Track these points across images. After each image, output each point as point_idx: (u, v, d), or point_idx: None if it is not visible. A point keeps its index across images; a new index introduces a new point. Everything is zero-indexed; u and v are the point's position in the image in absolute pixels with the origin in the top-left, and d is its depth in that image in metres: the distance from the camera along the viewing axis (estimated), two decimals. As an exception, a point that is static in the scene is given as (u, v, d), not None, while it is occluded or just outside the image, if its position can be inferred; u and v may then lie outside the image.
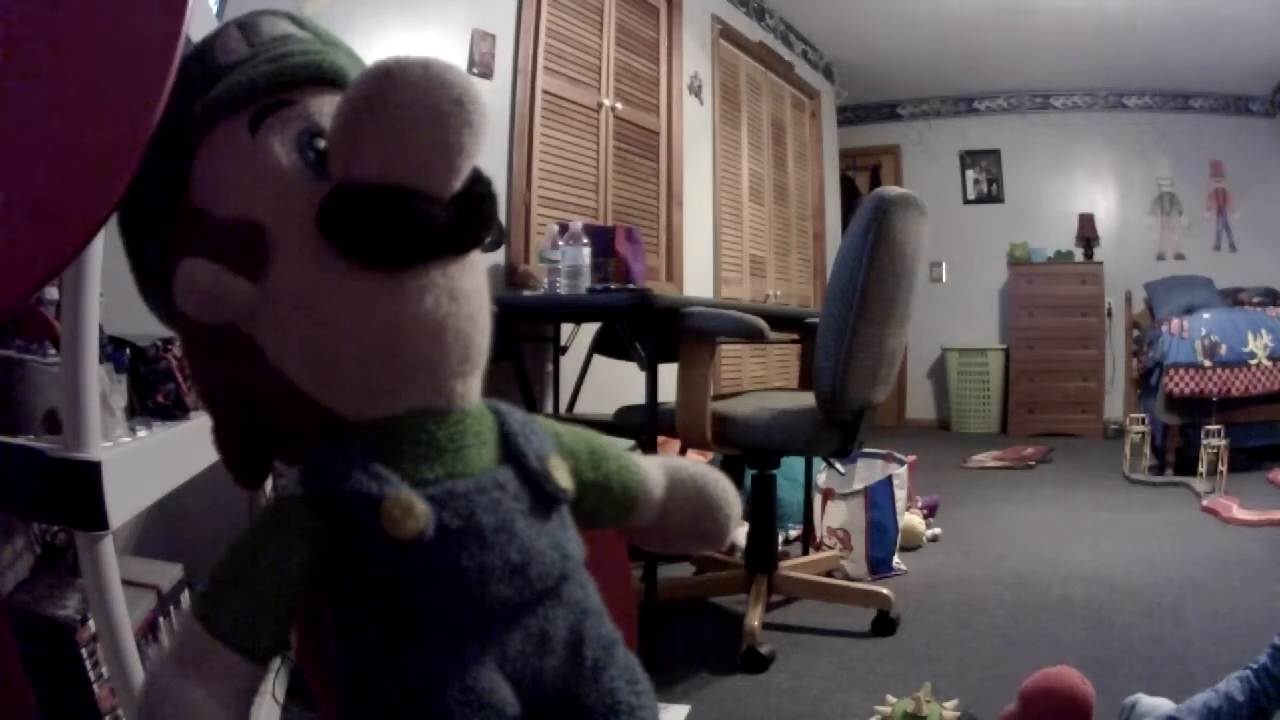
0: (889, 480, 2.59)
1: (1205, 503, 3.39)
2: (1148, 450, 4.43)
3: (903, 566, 2.57)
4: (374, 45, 2.32)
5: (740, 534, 2.23)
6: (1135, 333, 5.46)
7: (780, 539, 2.46)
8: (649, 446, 1.94)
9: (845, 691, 1.69)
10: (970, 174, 6.68)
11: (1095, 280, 6.09)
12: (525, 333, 2.79)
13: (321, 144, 0.68)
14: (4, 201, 0.65)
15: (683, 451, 2.32)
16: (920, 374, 6.71)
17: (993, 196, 6.64)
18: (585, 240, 2.40)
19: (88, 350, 0.78)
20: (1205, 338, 4.17)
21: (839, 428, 1.91)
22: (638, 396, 1.97)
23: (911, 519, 2.84)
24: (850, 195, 6.34)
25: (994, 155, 6.61)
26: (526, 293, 2.74)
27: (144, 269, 0.74)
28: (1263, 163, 6.04)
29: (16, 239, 0.65)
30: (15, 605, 0.99)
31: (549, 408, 2.97)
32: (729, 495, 0.89)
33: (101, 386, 0.83)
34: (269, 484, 0.82)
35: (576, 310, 2.45)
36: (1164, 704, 1.31)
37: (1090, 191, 6.38)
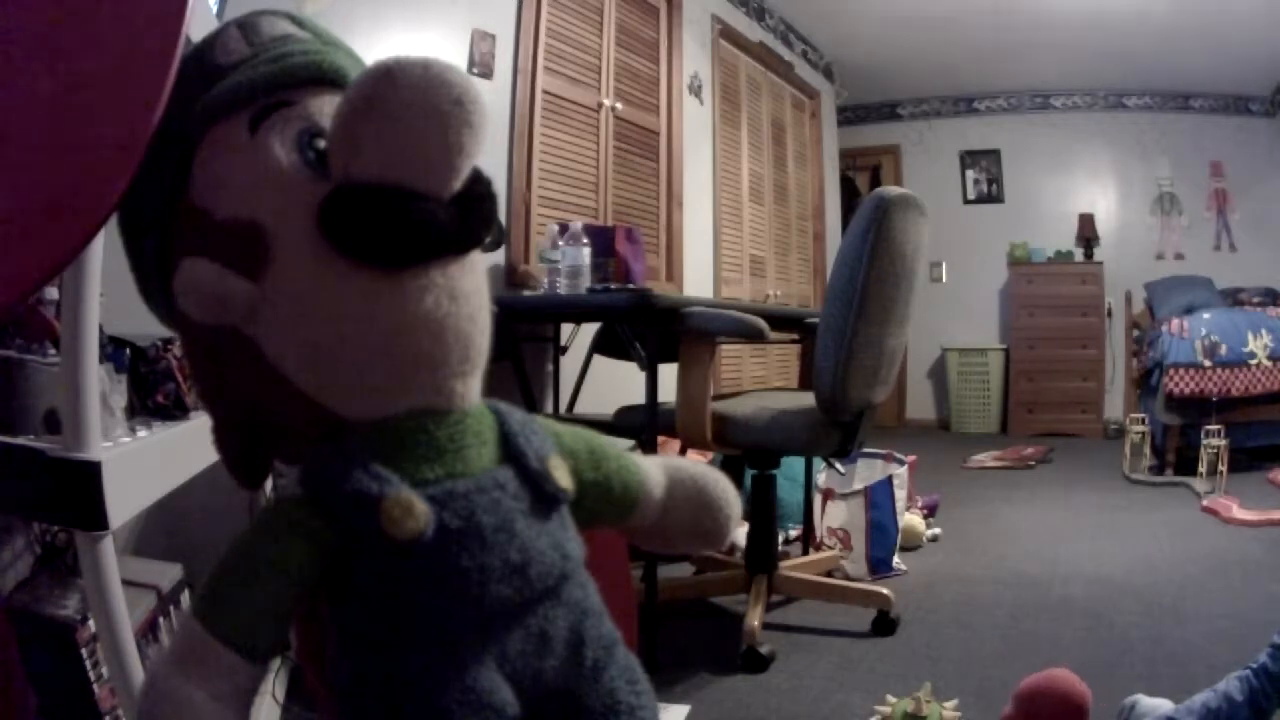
0: (889, 480, 2.59)
1: (1205, 503, 3.39)
2: (1148, 450, 4.43)
3: (903, 566, 2.57)
4: (374, 45, 2.32)
5: (740, 534, 2.23)
6: (1135, 333, 5.46)
7: (780, 539, 2.46)
8: (649, 446, 1.94)
9: (845, 691, 1.69)
10: (970, 174, 6.68)
11: (1095, 280, 6.09)
12: (525, 333, 2.79)
13: (321, 144, 0.68)
14: (4, 201, 0.65)
15: (683, 451, 2.32)
16: (920, 374, 6.71)
17: (993, 196, 6.64)
18: (585, 240, 2.40)
19: (88, 350, 0.78)
20: (1205, 338, 4.17)
21: (839, 428, 1.91)
22: (638, 396, 1.97)
23: (911, 519, 2.84)
24: (850, 195, 6.34)
25: (994, 155, 6.61)
26: (526, 293, 2.74)
27: (144, 269, 0.74)
28: (1263, 163, 6.04)
29: (16, 239, 0.65)
30: (15, 605, 0.99)
31: (549, 408, 2.97)
32: (729, 495, 0.89)
33: (101, 386, 0.83)
34: (269, 484, 0.82)
35: (576, 310, 2.45)
36: (1164, 704, 1.31)
37: (1090, 191, 6.38)
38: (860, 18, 5.23)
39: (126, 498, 0.84)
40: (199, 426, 0.86)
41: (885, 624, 2.03)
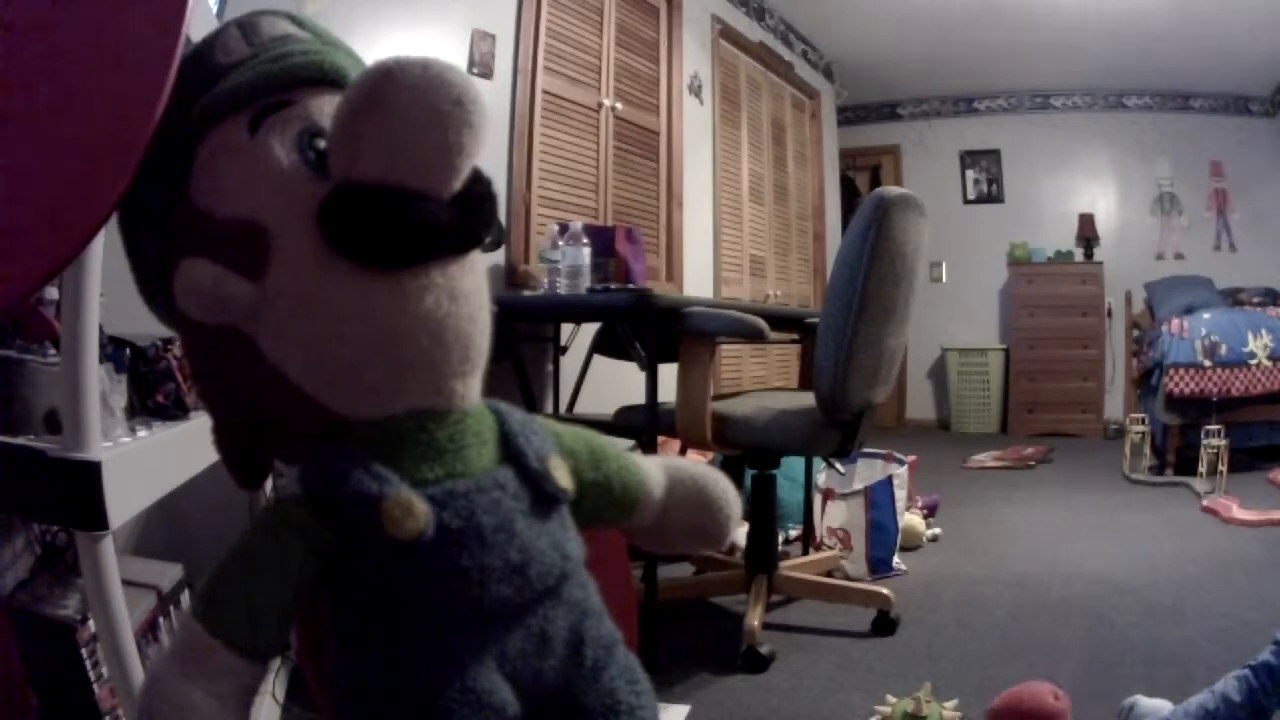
0: (889, 480, 2.59)
1: (1205, 503, 3.39)
2: (1148, 450, 4.43)
3: (903, 566, 2.57)
4: (374, 45, 2.32)
5: (740, 534, 2.23)
6: (1135, 333, 5.46)
7: (780, 539, 2.46)
8: (649, 446, 1.94)
9: (845, 691, 1.69)
10: (970, 174, 6.68)
11: (1095, 280, 6.09)
12: (525, 333, 2.79)
13: (322, 144, 0.68)
14: (4, 201, 0.65)
15: (683, 451, 2.32)
16: (920, 374, 6.71)
17: (993, 196, 6.64)
18: (585, 240, 2.40)
19: (88, 350, 0.78)
20: (1205, 338, 4.17)
21: (839, 428, 1.91)
22: (638, 396, 1.97)
23: (911, 519, 2.84)
24: (850, 195, 6.34)
25: (994, 155, 6.61)
26: (526, 293, 2.74)
27: (144, 269, 0.74)
28: (1263, 163, 6.04)
29: (16, 239, 0.65)
30: (15, 605, 0.99)
31: (549, 408, 2.97)
32: (729, 495, 0.89)
33: (101, 386, 0.83)
34: (269, 484, 0.82)
35: (576, 310, 2.45)
36: (1163, 705, 1.31)
37: (1090, 191, 6.38)
38: (860, 18, 5.23)
39: (126, 498, 0.84)
40: (199, 426, 0.86)
41: (885, 624, 2.03)
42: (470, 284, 0.70)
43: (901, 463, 2.75)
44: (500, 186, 2.70)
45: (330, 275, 0.65)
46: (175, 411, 1.10)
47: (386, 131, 0.63)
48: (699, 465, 0.91)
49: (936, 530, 3.00)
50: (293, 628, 0.68)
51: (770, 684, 1.75)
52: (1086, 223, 6.31)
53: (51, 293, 0.97)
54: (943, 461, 4.75)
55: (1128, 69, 5.82)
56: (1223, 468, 3.62)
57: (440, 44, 2.68)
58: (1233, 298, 5.12)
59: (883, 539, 2.52)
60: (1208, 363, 4.13)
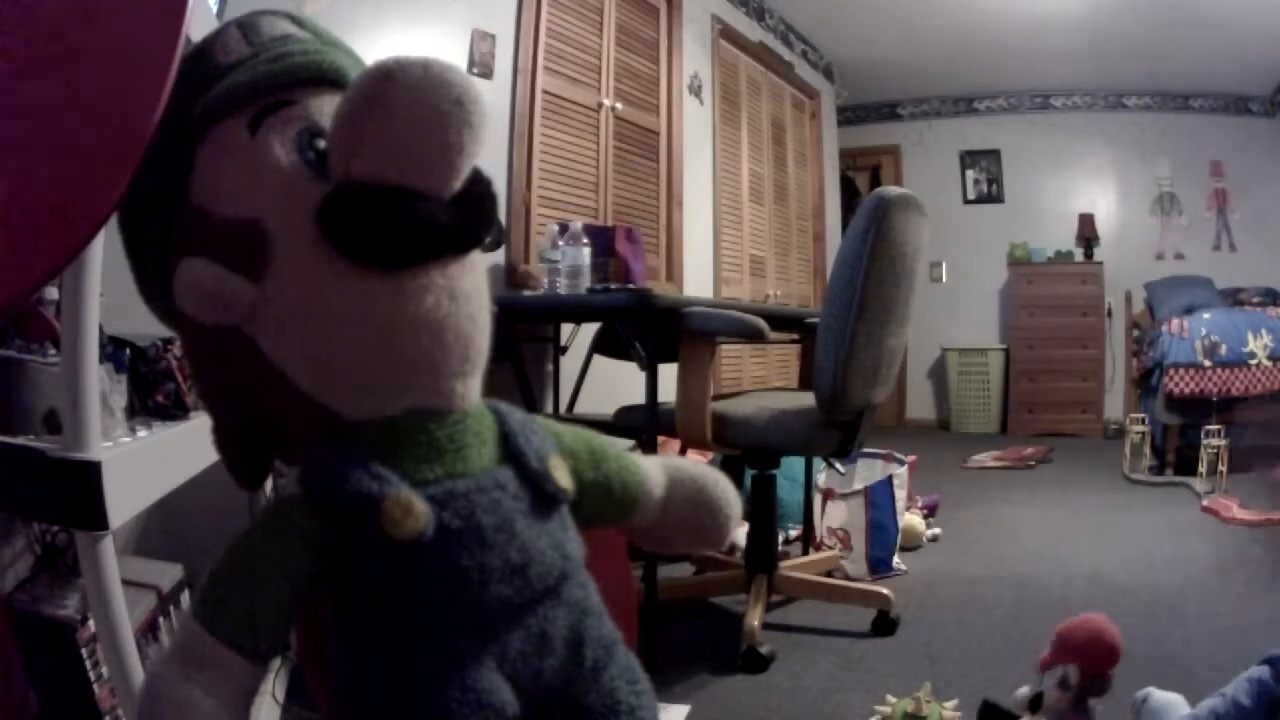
0: (889, 480, 2.59)
1: (1205, 503, 3.39)
2: (1148, 450, 4.43)
3: (903, 566, 2.57)
4: (374, 45, 2.32)
5: (740, 534, 2.23)
6: (1135, 333, 5.46)
7: (780, 539, 2.46)
8: (649, 446, 1.94)
9: (845, 691, 1.69)
10: (970, 174, 6.68)
11: (1095, 280, 6.09)
12: (525, 333, 2.79)
13: (322, 144, 0.68)
14: (4, 201, 0.65)
15: (683, 451, 2.32)
16: (920, 374, 6.71)
17: (993, 196, 6.64)
18: (585, 240, 2.40)
19: (88, 350, 0.78)
20: (1205, 338, 4.17)
21: (839, 428, 1.91)
22: (638, 396, 1.97)
23: (911, 519, 2.84)
24: (850, 195, 6.34)
25: (994, 155, 6.61)
26: (526, 293, 2.73)
27: (144, 269, 0.74)
28: (1263, 163, 6.04)
29: (17, 239, 0.65)
30: (15, 605, 0.99)
31: (549, 408, 2.97)
32: (729, 495, 0.89)
33: (101, 386, 0.83)
34: (269, 484, 0.82)
35: (576, 310, 2.45)
36: (1176, 699, 1.31)
37: (1090, 191, 6.38)
38: (860, 18, 5.23)
39: (126, 498, 0.84)
40: (199, 426, 0.86)
41: (885, 624, 2.03)
42: (470, 284, 0.70)
43: (901, 463, 2.75)
44: (500, 186, 2.70)
45: (330, 275, 0.65)
46: (175, 411, 1.10)
47: (387, 131, 0.63)
48: (699, 465, 0.91)
49: (936, 530, 3.00)
50: (293, 628, 0.68)
51: (770, 684, 1.75)
52: (1086, 223, 6.31)
53: (51, 293, 0.97)
54: (943, 461, 4.75)
55: (1128, 69, 5.82)
56: (1223, 468, 3.62)
57: (440, 44, 2.68)
58: (1233, 298, 5.12)
59: (883, 539, 2.52)
60: (1208, 363, 4.13)
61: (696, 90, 4.14)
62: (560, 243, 2.42)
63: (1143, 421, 4.42)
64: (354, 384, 0.67)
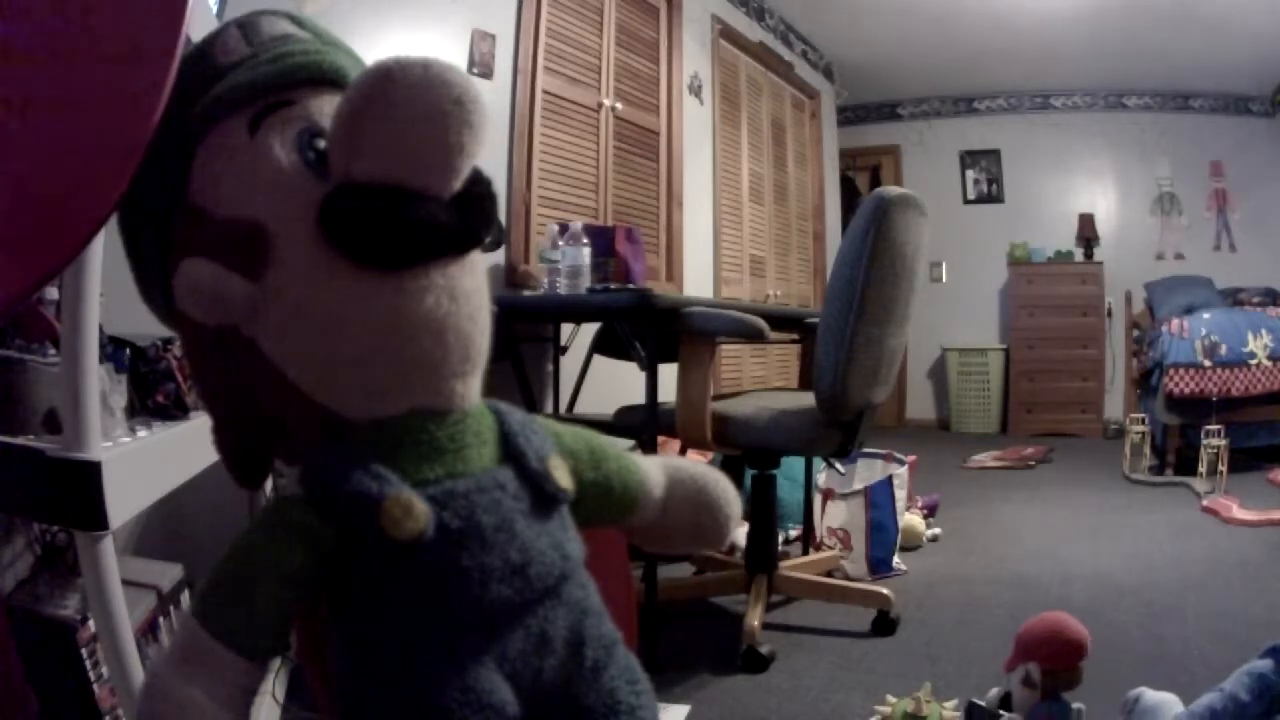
0: (889, 480, 2.59)
1: (1205, 503, 3.39)
2: (1148, 450, 4.43)
3: (903, 566, 2.57)
4: (374, 45, 2.32)
5: (740, 534, 2.23)
6: (1135, 333, 5.46)
7: (780, 539, 2.46)
8: (649, 446, 1.94)
9: (845, 691, 1.69)
10: (970, 174, 6.68)
11: (1095, 280, 6.09)
12: (525, 333, 2.79)
13: (321, 144, 0.68)
14: (4, 201, 0.65)
15: (683, 451, 2.32)
16: (920, 374, 6.71)
17: (993, 196, 6.64)
18: (585, 240, 2.40)
19: (88, 350, 0.78)
20: (1205, 338, 4.17)
21: (839, 428, 1.91)
22: (638, 396, 1.97)
23: (911, 519, 2.84)
24: (850, 195, 6.34)
25: (994, 155, 6.61)
26: (526, 293, 2.74)
27: (144, 269, 0.74)
28: (1263, 163, 6.04)
29: (16, 239, 0.65)
30: (15, 605, 0.99)
31: (549, 408, 2.97)
32: (729, 495, 0.89)
33: (101, 386, 0.83)
34: (269, 484, 0.82)
35: (576, 310, 2.45)
36: (1169, 698, 1.31)
37: (1090, 191, 6.38)
38: (860, 18, 5.23)
39: (126, 498, 0.84)
40: (199, 426, 0.86)
41: (885, 624, 2.03)
42: (470, 284, 0.70)
43: (901, 463, 2.75)
44: (500, 186, 2.70)
45: (330, 275, 0.65)
46: (175, 411, 1.10)
47: (387, 131, 0.63)
48: (699, 465, 0.91)
49: (936, 530, 3.00)
50: (293, 628, 0.68)
51: (770, 684, 1.75)
52: (1086, 223, 6.31)
53: (51, 293, 0.97)
54: (943, 461, 4.75)
55: (1128, 69, 5.82)
56: (1223, 468, 3.62)
57: (440, 44, 2.68)
58: (1233, 298, 5.12)
59: (883, 539, 2.52)
60: (1208, 363, 4.13)
61: (696, 90, 4.14)
62: (560, 243, 2.42)
63: (1143, 421, 4.42)
64: (354, 384, 0.67)
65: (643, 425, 1.94)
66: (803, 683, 1.75)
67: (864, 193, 6.35)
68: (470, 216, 0.67)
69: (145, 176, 0.68)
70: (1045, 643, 1.27)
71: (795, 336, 2.91)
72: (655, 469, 0.86)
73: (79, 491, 0.78)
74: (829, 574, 2.45)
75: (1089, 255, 6.23)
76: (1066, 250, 6.26)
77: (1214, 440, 3.67)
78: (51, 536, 1.11)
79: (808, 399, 1.90)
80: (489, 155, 0.87)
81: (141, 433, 0.97)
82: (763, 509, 2.10)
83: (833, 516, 2.57)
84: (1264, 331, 4.18)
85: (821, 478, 2.73)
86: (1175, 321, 4.35)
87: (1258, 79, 5.77)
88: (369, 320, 0.65)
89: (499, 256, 2.87)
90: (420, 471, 0.66)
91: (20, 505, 0.91)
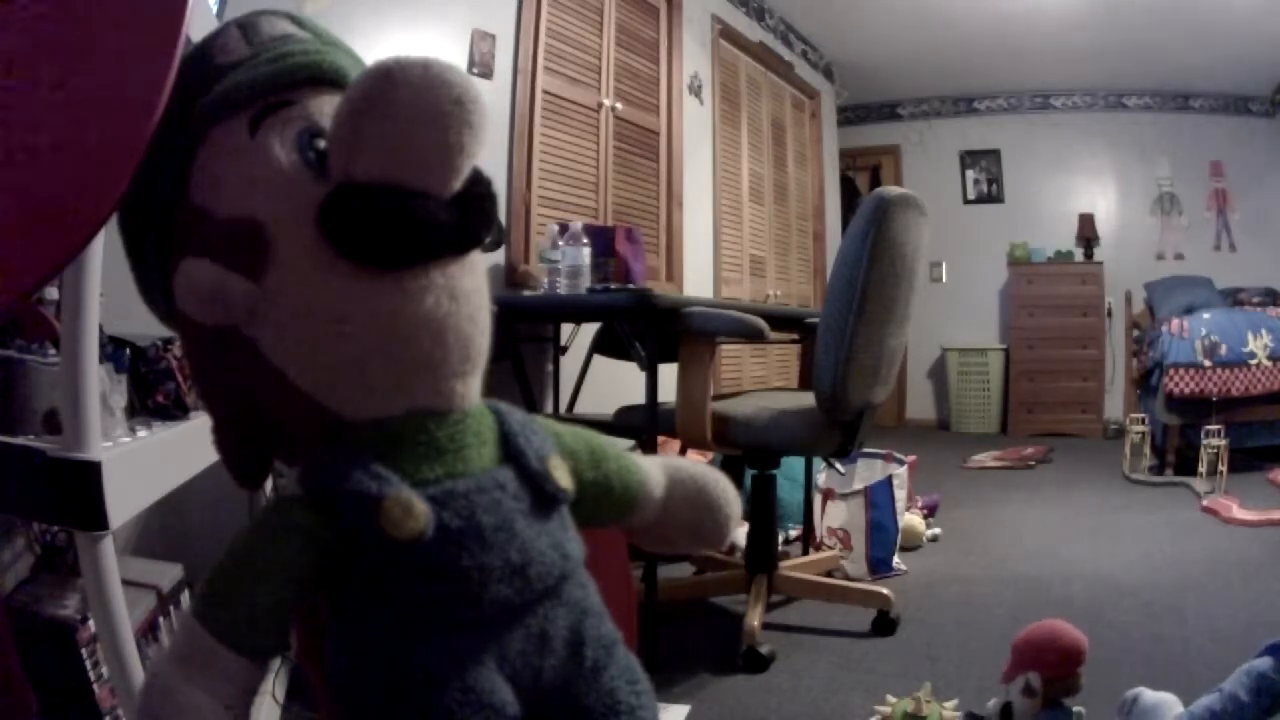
0: (889, 480, 2.59)
1: (1205, 503, 3.39)
2: (1148, 450, 4.43)
3: (903, 566, 2.57)
4: (374, 45, 2.32)
5: (740, 534, 2.23)
6: (1135, 333, 5.46)
7: (780, 539, 2.46)
8: (649, 446, 1.94)
9: (845, 691, 1.69)
10: (970, 174, 6.68)
11: (1095, 280, 6.09)
12: (525, 333, 2.79)
13: (322, 144, 0.68)
14: (5, 201, 0.65)
15: (683, 451, 2.32)
16: (920, 374, 6.71)
17: (993, 196, 6.64)
18: (585, 240, 2.40)
19: (88, 350, 0.78)
20: (1205, 338, 4.17)
21: (839, 428, 1.91)
22: (638, 396, 1.97)
23: (911, 519, 2.84)
24: (850, 195, 6.34)
25: (994, 155, 6.61)
26: (526, 293, 2.74)
27: (144, 269, 0.74)
28: (1263, 163, 6.04)
29: (17, 239, 0.65)
30: (15, 605, 0.99)
31: (549, 408, 2.97)
32: (729, 495, 0.89)
33: (101, 386, 0.83)
34: (269, 484, 0.82)
35: (576, 310, 2.45)
36: (1167, 697, 1.31)
37: (1090, 191, 6.38)
38: (860, 18, 5.23)
39: (126, 498, 0.84)
40: (199, 426, 0.86)
41: (885, 624, 2.03)
42: (470, 284, 0.70)
43: (901, 463, 2.75)
44: (500, 186, 2.70)
45: (330, 275, 0.65)
46: (175, 411, 1.10)
47: (387, 131, 0.63)
48: (699, 465, 0.91)
49: (936, 530, 3.00)
50: (293, 628, 0.68)
51: (770, 684, 1.75)
52: (1086, 223, 6.31)
53: (51, 293, 0.97)
54: (943, 461, 4.75)
55: (1128, 69, 5.82)
56: (1223, 468, 3.62)
57: (440, 44, 2.68)
58: (1233, 298, 5.12)
59: (883, 539, 2.52)
60: (1208, 363, 4.13)
61: (696, 90, 4.14)
62: (560, 243, 2.42)
63: (1143, 421, 4.42)
64: (354, 384, 0.67)
65: (643, 425, 1.94)
66: (803, 683, 1.75)
67: (864, 193, 6.35)
68: (470, 216, 0.67)
69: (145, 177, 0.68)
70: (1044, 651, 1.26)
71: (795, 336, 2.91)
72: (655, 469, 0.86)
73: (79, 491, 0.78)
74: (829, 574, 2.45)
75: (1089, 255, 6.23)
76: (1066, 250, 6.26)
77: (1214, 440, 3.67)
78: (51, 536, 1.11)
79: (808, 399, 1.90)
80: (489, 155, 0.87)
81: (141, 433, 0.97)
82: (763, 509, 2.10)
83: (833, 516, 2.57)
84: (1264, 331, 4.18)
85: (821, 478, 2.73)
86: (1175, 321, 4.35)
87: (1258, 79, 5.77)
88: (369, 320, 0.65)
89: (499, 256, 2.87)
90: (420, 471, 0.66)
91: (20, 505, 0.91)
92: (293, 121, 0.69)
